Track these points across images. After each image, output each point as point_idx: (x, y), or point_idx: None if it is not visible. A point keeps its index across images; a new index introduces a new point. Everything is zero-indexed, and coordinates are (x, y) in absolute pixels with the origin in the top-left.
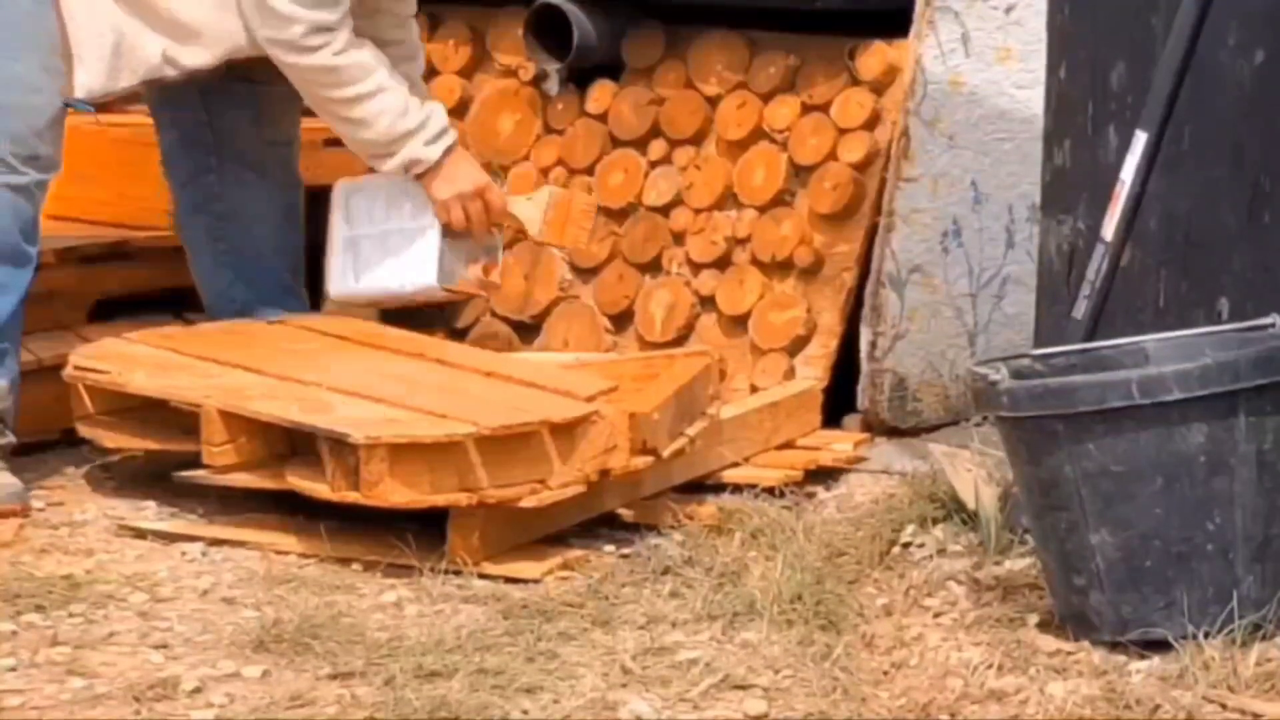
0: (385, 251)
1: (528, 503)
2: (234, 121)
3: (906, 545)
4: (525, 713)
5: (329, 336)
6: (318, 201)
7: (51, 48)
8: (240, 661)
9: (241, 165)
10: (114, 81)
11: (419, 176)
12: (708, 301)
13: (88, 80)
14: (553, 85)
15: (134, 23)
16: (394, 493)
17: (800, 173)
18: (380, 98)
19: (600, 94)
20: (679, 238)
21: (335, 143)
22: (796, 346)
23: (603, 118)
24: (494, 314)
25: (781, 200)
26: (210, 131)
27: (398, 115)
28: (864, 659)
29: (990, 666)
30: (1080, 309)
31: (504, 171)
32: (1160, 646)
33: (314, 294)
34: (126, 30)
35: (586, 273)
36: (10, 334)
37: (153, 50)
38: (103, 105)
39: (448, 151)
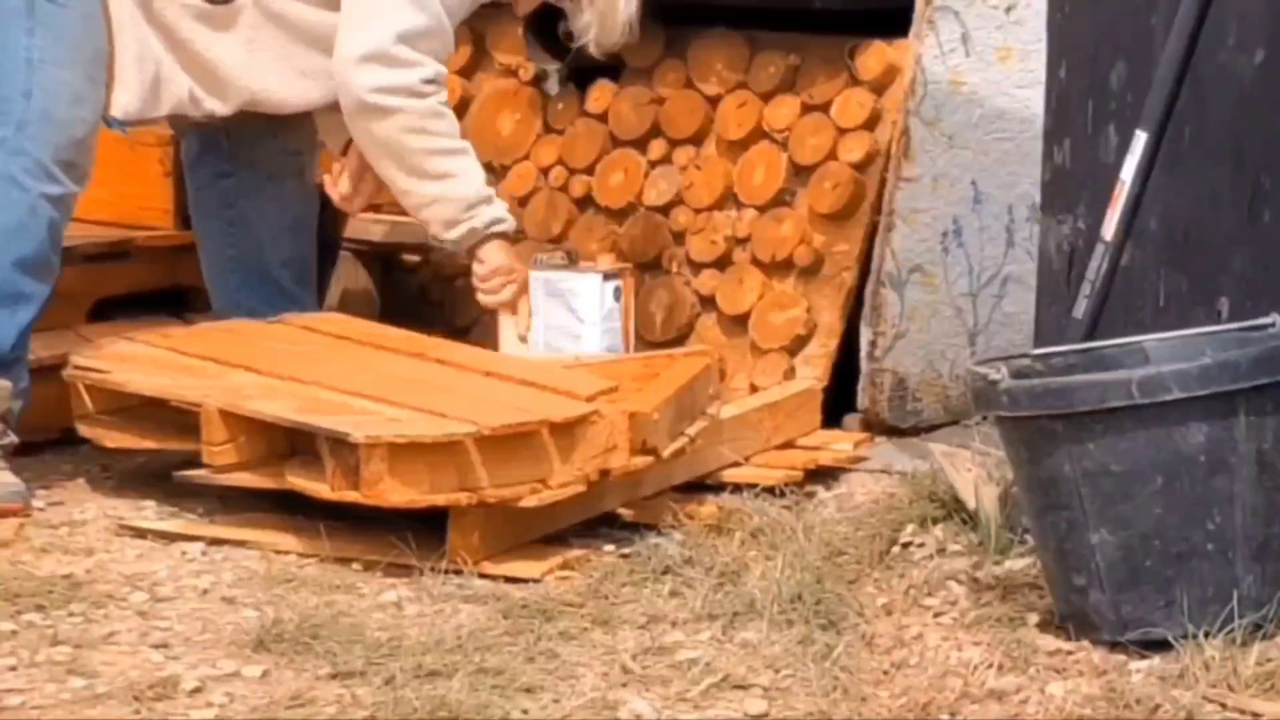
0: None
1: (528, 502)
2: (250, 129)
3: (906, 545)
4: (525, 713)
5: (329, 336)
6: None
7: (96, 61)
8: (240, 661)
9: (256, 172)
10: (150, 108)
11: (485, 241)
12: (708, 301)
13: (126, 102)
14: (553, 85)
15: (169, 58)
16: (394, 492)
17: (800, 172)
18: (471, 156)
19: (600, 94)
20: (679, 237)
21: None
22: (796, 346)
23: (603, 117)
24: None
25: (781, 200)
26: (227, 137)
27: (483, 177)
28: (864, 659)
29: (990, 666)
30: (1080, 309)
31: (504, 171)
32: (1160, 646)
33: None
34: (164, 63)
35: None
36: (25, 343)
37: (182, 86)
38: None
39: (512, 232)
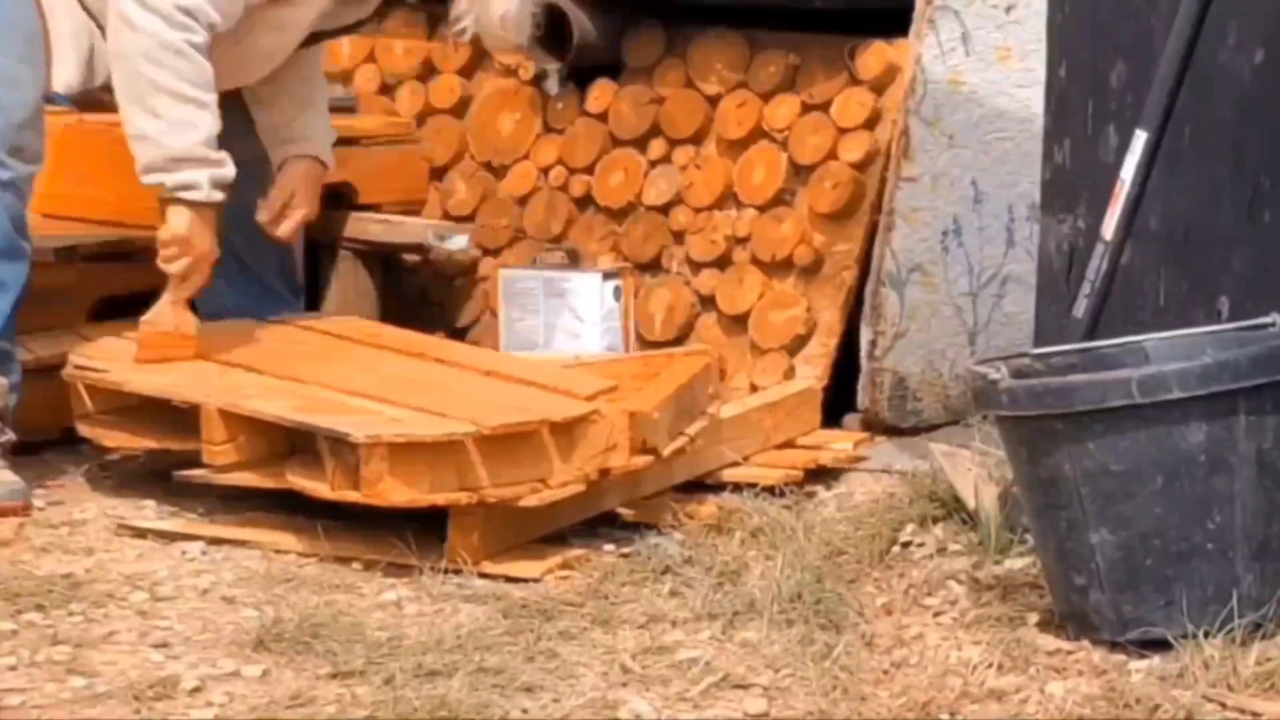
0: None
1: (528, 502)
2: (226, 131)
3: (906, 545)
4: (525, 712)
5: (329, 336)
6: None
7: (29, 41)
8: (240, 661)
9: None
10: (90, 79)
11: (168, 203)
12: (708, 301)
13: (67, 76)
14: (553, 85)
15: (98, 31)
16: (394, 492)
17: (800, 172)
18: (202, 112)
19: (600, 93)
20: (679, 237)
21: (335, 143)
22: (796, 346)
23: (603, 117)
24: (494, 314)
25: (781, 199)
26: None
27: (204, 140)
28: (864, 658)
29: (990, 666)
30: (1080, 308)
31: (504, 171)
32: (1160, 646)
33: (311, 296)
34: (95, 35)
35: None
36: (11, 333)
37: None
38: (93, 105)
39: (212, 205)
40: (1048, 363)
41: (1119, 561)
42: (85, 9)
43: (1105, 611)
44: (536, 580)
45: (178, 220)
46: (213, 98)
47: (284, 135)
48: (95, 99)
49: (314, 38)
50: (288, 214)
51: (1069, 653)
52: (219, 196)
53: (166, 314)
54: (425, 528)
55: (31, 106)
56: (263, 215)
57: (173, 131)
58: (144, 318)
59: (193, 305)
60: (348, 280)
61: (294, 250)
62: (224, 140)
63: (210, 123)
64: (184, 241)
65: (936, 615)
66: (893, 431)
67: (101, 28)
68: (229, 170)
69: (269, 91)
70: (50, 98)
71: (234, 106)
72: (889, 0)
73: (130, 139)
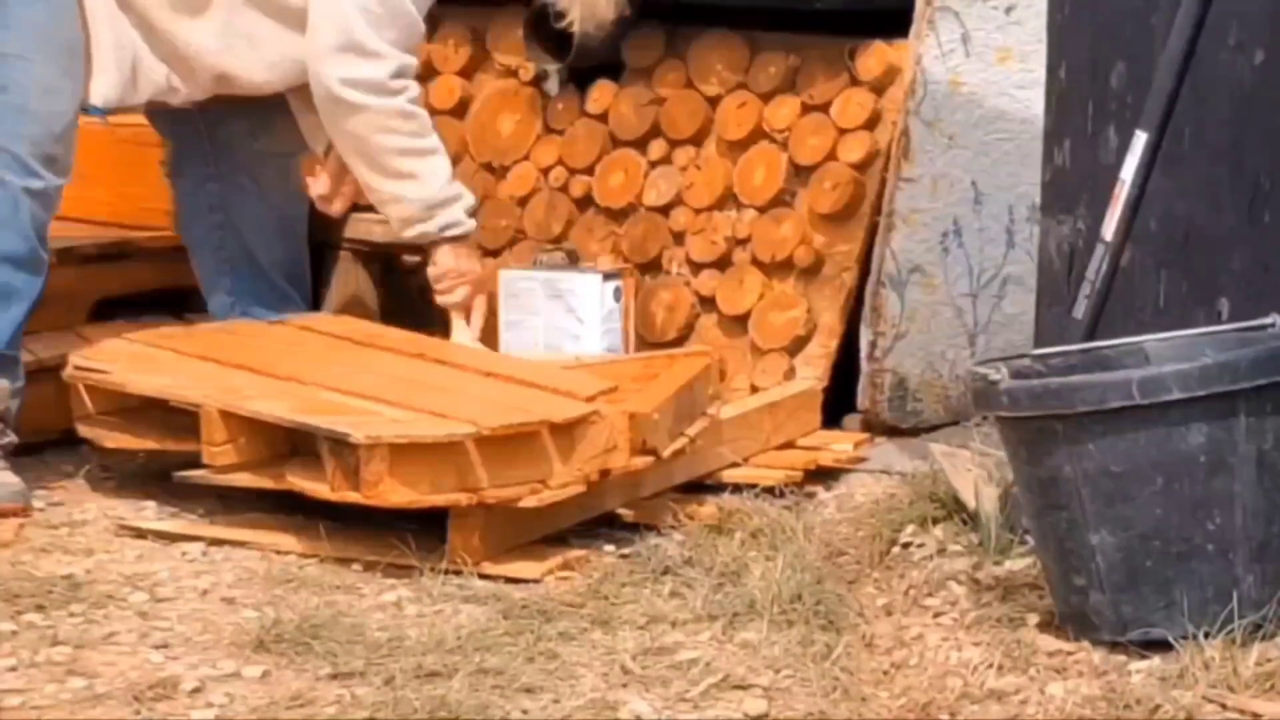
0: None
1: (528, 503)
2: (231, 132)
3: (906, 545)
4: (525, 713)
5: (329, 336)
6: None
7: (69, 52)
8: (240, 661)
9: (240, 175)
10: (129, 95)
11: (438, 243)
12: (708, 301)
13: (105, 89)
14: (553, 85)
15: (145, 46)
16: (394, 493)
17: (800, 173)
18: (438, 157)
19: (600, 94)
20: (679, 238)
21: None
22: (796, 346)
23: (603, 118)
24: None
25: (781, 200)
26: (209, 141)
27: (448, 178)
28: (864, 659)
29: (990, 666)
30: (1080, 309)
31: (504, 171)
32: (1160, 646)
33: (311, 296)
34: (140, 49)
35: None
36: (17, 340)
37: (159, 73)
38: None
39: (470, 236)
40: (1048, 364)
41: (1119, 562)
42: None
43: (1105, 612)
44: (536, 581)
45: (445, 258)
46: (438, 139)
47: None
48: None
49: None
50: (341, 192)
51: (1069, 653)
52: (474, 225)
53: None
54: (425, 528)
55: (69, 118)
56: (318, 188)
57: (423, 185)
58: None
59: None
60: (348, 280)
61: (304, 253)
62: (255, 133)
63: (445, 163)
64: (458, 274)
65: (936, 616)
66: (893, 432)
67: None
68: (470, 198)
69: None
70: (86, 109)
71: (260, 104)
72: (889, 1)
73: (382, 204)
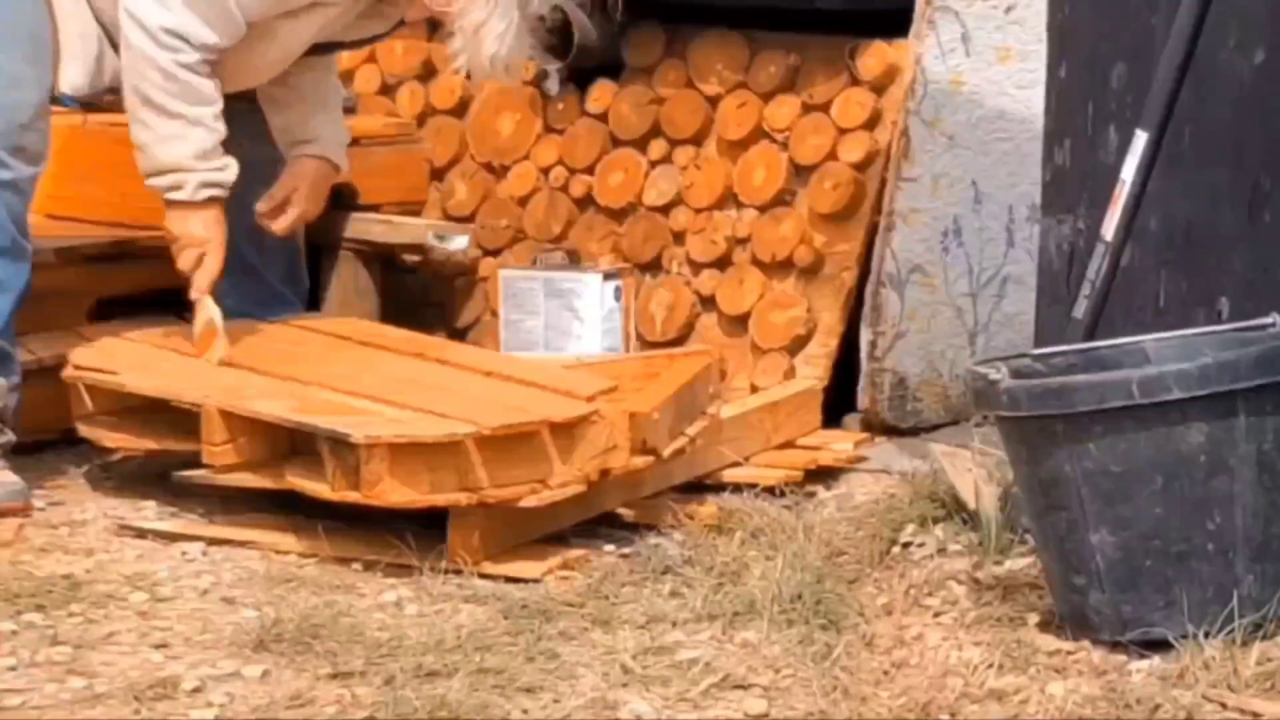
0: None
1: (528, 502)
2: (238, 132)
3: (906, 545)
4: (525, 713)
5: (329, 336)
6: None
7: (34, 41)
8: (240, 661)
9: None
10: (98, 81)
11: (170, 205)
12: (708, 301)
13: (74, 77)
14: (553, 85)
15: (104, 34)
16: (394, 492)
17: (800, 173)
18: (192, 128)
19: (600, 94)
20: (679, 237)
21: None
22: (796, 346)
23: (603, 117)
24: (494, 314)
25: (781, 200)
26: None
27: (197, 153)
28: (864, 659)
29: (990, 666)
30: (1080, 309)
31: (504, 171)
32: (1160, 646)
33: (311, 296)
34: (103, 39)
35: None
36: (10, 333)
37: (119, 61)
38: (95, 106)
39: (209, 203)
40: (1048, 363)
41: (1119, 562)
42: (97, 19)
43: (1105, 612)
44: (536, 581)
45: (170, 221)
46: (207, 111)
47: (296, 136)
48: (100, 101)
49: (332, 47)
50: (286, 209)
51: (1069, 653)
52: (203, 195)
53: (199, 311)
54: (425, 528)
55: (35, 107)
56: (261, 206)
57: (160, 144)
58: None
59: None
60: (348, 280)
61: (300, 252)
62: (236, 140)
63: (201, 136)
64: (176, 237)
65: (937, 616)
66: (893, 432)
67: (110, 35)
68: (225, 174)
69: (282, 94)
70: (57, 99)
71: (247, 108)
72: (889, 1)
73: (135, 146)
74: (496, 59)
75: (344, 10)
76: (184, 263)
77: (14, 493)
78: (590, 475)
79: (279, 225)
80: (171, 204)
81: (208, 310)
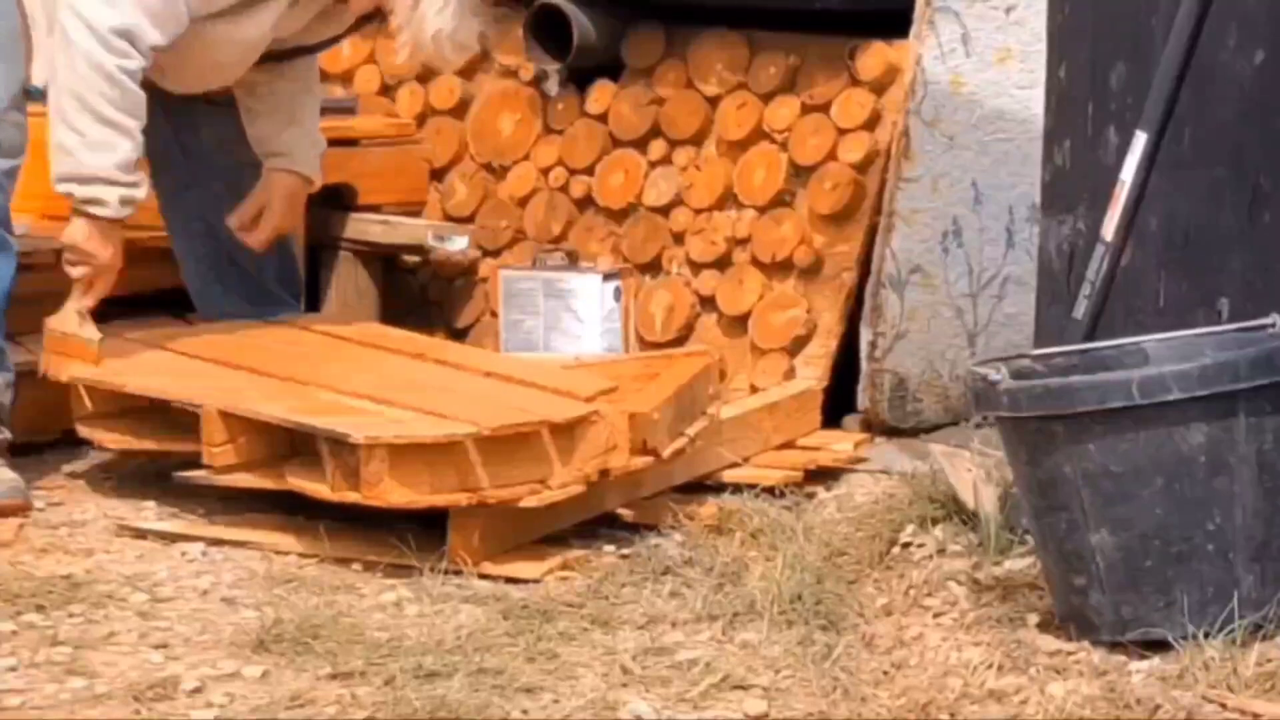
0: None
1: (528, 503)
2: (203, 142)
3: (906, 545)
4: (525, 713)
5: (329, 336)
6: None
7: (4, 35)
8: (240, 661)
9: (214, 183)
10: None
11: (79, 214)
12: (708, 301)
13: (44, 72)
14: (553, 85)
15: None
16: (394, 493)
17: (800, 173)
18: (122, 138)
19: (600, 94)
20: (679, 238)
21: (335, 144)
22: (796, 346)
23: (603, 118)
24: (494, 314)
25: (781, 200)
26: (179, 151)
27: (124, 164)
28: (864, 659)
29: (990, 666)
30: (1080, 309)
31: (504, 172)
32: (1160, 646)
33: (311, 296)
34: None
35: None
36: (2, 329)
37: None
38: None
39: (117, 222)
40: (1048, 364)
41: (1119, 562)
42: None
43: (1105, 612)
44: (536, 581)
45: (78, 231)
46: (137, 124)
47: (268, 148)
48: None
49: (294, 53)
50: (260, 224)
51: (1069, 653)
52: (126, 213)
53: (70, 319)
54: (425, 528)
55: (6, 100)
56: (233, 221)
57: (89, 150)
58: (48, 322)
59: (187, 308)
60: (348, 280)
61: (294, 254)
62: (225, 143)
63: (129, 148)
64: (83, 252)
65: (936, 616)
66: (892, 432)
67: None
68: (140, 191)
69: (254, 104)
70: (27, 91)
71: (227, 114)
72: (889, 1)
73: (50, 146)
74: (440, 36)
75: (292, 10)
76: (77, 273)
77: (13, 490)
78: (590, 475)
79: (255, 240)
80: (87, 216)
81: (89, 326)
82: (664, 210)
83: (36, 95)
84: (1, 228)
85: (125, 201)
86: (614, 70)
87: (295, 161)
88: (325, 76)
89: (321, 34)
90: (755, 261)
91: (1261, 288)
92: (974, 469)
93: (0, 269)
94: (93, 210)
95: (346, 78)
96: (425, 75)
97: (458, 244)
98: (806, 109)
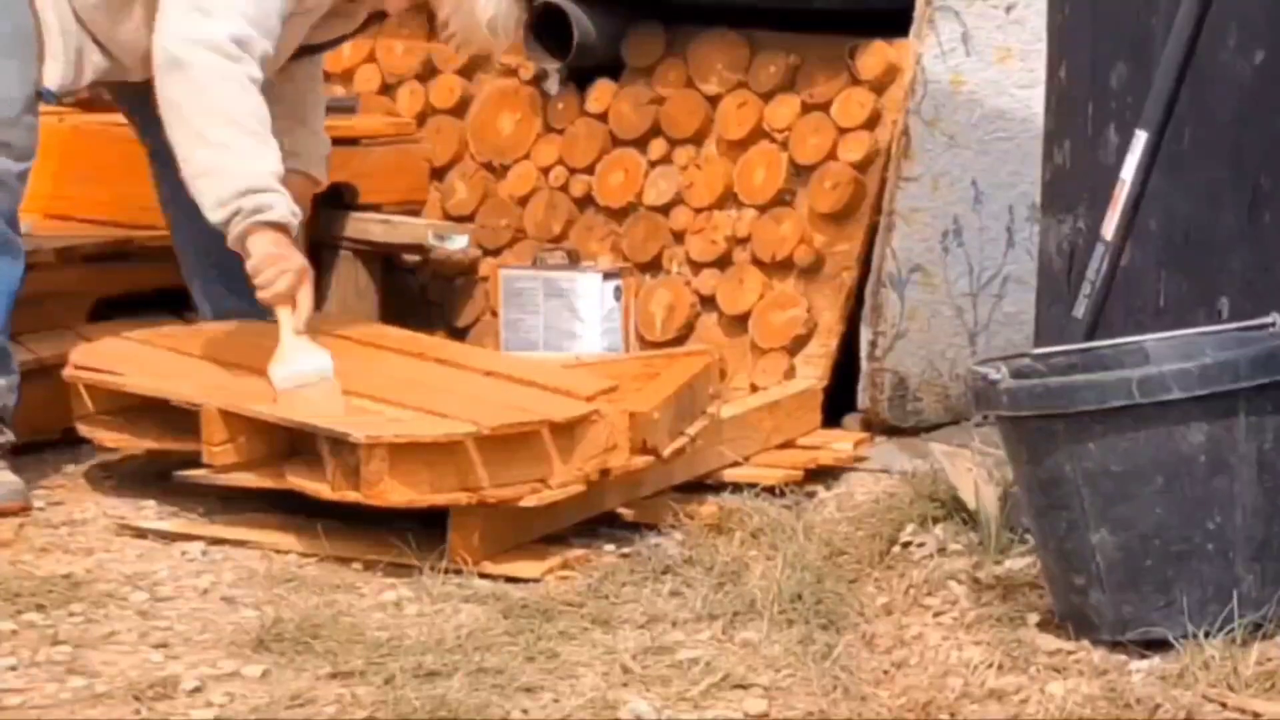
0: None
1: (528, 502)
2: None
3: (906, 545)
4: (525, 713)
5: (329, 337)
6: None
7: (17, 38)
8: (240, 661)
9: None
10: (79, 78)
11: (247, 234)
12: (708, 301)
13: (56, 74)
14: (553, 85)
15: (83, 34)
16: (394, 492)
17: (800, 172)
18: (266, 148)
19: (600, 93)
20: (679, 237)
21: (336, 143)
22: (796, 346)
23: (603, 117)
24: (494, 314)
25: (781, 200)
26: None
27: (274, 172)
28: (864, 658)
29: (990, 666)
30: (1080, 309)
31: (504, 171)
32: (1160, 646)
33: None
34: (83, 37)
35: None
36: (7, 331)
37: (100, 58)
38: (87, 104)
39: (291, 227)
40: (1048, 363)
41: (1119, 562)
42: (76, 16)
43: (1105, 611)
44: (536, 580)
45: (263, 244)
46: (272, 139)
47: None
48: (96, 96)
49: (303, 52)
50: None
51: (1069, 653)
52: (294, 221)
53: (298, 355)
54: (425, 528)
55: (19, 102)
56: None
57: (242, 162)
58: (279, 374)
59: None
60: (348, 280)
61: None
62: None
63: (277, 158)
64: (278, 259)
65: (937, 615)
66: (893, 431)
67: (90, 32)
68: (291, 204)
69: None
70: (41, 93)
71: None
72: (889, 0)
73: (193, 180)
74: (494, 23)
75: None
76: (280, 285)
77: (14, 493)
78: (590, 475)
79: None
80: (262, 227)
81: (320, 356)
82: (664, 209)
83: (49, 98)
84: (10, 229)
85: (290, 207)
86: (614, 69)
87: (303, 162)
88: (325, 76)
89: (332, 32)
90: (755, 261)
91: (1261, 287)
92: (974, 468)
93: (8, 270)
94: (266, 217)
95: (347, 77)
96: (425, 74)
97: (458, 243)
98: (807, 108)
